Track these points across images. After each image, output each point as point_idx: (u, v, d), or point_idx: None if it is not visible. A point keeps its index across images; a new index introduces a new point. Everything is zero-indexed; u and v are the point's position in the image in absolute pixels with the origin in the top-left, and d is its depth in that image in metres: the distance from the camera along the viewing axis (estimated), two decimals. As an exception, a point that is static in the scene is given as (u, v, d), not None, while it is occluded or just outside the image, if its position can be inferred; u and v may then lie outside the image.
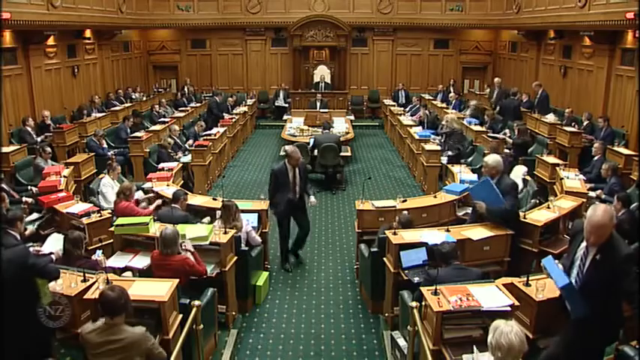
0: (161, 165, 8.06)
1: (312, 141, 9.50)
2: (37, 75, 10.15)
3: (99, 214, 5.61)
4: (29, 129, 9.19)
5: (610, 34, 9.50)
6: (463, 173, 7.09)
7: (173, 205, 5.58)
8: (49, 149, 7.98)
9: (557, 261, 3.53)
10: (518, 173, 7.25)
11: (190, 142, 9.87)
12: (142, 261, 4.65)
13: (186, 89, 15.14)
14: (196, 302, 3.84)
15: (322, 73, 15.18)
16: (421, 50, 16.03)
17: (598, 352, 3.35)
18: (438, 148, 9.04)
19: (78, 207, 5.81)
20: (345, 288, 5.95)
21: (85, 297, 3.68)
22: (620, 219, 5.15)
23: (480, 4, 14.71)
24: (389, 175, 10.39)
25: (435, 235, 4.78)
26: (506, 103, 11.85)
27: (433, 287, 3.58)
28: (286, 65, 15.98)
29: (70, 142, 9.52)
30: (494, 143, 7.88)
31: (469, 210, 5.85)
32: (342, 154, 9.54)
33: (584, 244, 3.26)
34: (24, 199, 6.51)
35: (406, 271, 4.64)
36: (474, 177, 6.92)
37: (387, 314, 4.97)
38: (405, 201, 6.10)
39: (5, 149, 7.95)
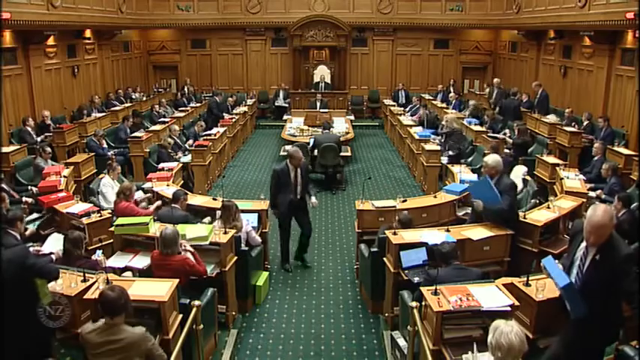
0: (161, 165, 8.06)
1: (312, 141, 9.50)
2: (37, 75, 10.15)
3: (99, 214, 5.61)
4: (29, 129, 9.20)
5: (610, 34, 9.50)
6: (463, 173, 7.09)
7: (173, 205, 5.59)
8: (49, 149, 7.98)
9: (557, 261, 3.52)
10: (518, 173, 7.24)
11: (190, 142, 9.87)
12: (142, 261, 4.65)
13: (186, 89, 15.13)
14: (196, 302, 3.83)
15: (322, 73, 15.17)
16: (421, 50, 16.03)
17: (598, 352, 3.35)
18: (438, 148, 9.04)
19: (78, 207, 5.81)
20: (345, 288, 5.95)
21: (85, 297, 3.67)
22: (621, 219, 5.16)
23: (480, 4, 14.71)
24: (389, 175, 10.39)
25: (435, 235, 4.78)
26: (506, 103, 11.85)
27: (433, 287, 3.58)
28: (286, 65, 15.98)
29: (70, 142, 9.52)
30: (495, 143, 7.89)
31: (469, 210, 5.86)
32: (342, 154, 9.54)
33: (583, 244, 3.26)
34: (24, 199, 6.50)
35: (406, 271, 4.64)
36: (474, 177, 6.92)
37: (387, 314, 4.97)
38: (405, 201, 6.10)
39: (5, 149, 7.95)
